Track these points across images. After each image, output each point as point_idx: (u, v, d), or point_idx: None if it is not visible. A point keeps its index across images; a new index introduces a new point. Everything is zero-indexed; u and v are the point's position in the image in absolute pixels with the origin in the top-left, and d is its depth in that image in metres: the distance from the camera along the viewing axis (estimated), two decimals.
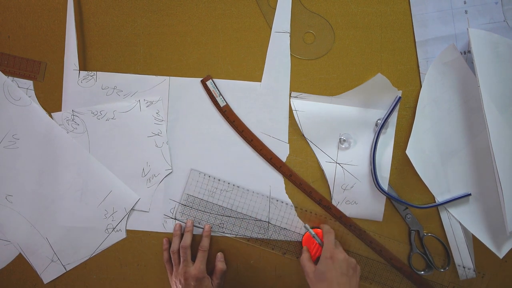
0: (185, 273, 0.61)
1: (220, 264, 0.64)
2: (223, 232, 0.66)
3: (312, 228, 0.64)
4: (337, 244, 0.61)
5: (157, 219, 0.66)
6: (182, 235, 0.65)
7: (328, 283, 0.55)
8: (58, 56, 0.65)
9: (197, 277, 0.60)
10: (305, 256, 0.61)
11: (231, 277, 0.67)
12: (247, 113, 0.65)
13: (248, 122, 0.65)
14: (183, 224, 0.66)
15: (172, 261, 0.63)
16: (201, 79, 0.65)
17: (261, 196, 0.65)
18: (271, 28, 0.64)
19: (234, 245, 0.66)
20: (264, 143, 0.65)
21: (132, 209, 0.66)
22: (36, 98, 0.65)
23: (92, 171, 0.66)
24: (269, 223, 0.65)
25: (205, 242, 0.64)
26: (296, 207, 0.65)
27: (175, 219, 0.66)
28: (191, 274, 0.61)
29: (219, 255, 0.65)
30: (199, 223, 0.66)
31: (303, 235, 0.65)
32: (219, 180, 0.65)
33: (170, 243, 0.65)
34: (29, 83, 0.65)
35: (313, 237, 0.63)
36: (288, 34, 0.64)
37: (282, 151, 0.65)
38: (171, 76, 0.65)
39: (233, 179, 0.65)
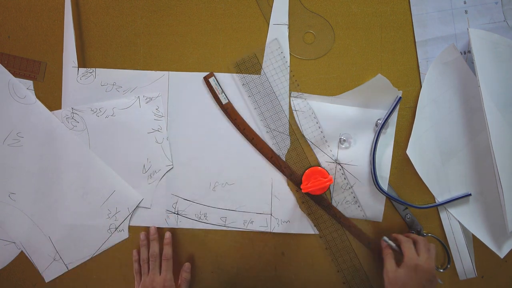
0: (152, 282, 0.62)
1: (184, 274, 0.65)
2: (225, 226, 0.66)
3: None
4: (425, 250, 0.58)
5: (160, 215, 0.66)
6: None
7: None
8: (58, 55, 0.65)
9: (164, 286, 0.61)
10: (389, 252, 0.60)
11: (231, 276, 0.67)
12: (247, 107, 0.65)
13: (248, 116, 0.65)
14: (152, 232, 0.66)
15: (142, 271, 0.64)
16: (204, 75, 0.65)
17: (263, 191, 0.65)
18: None
19: (234, 244, 0.67)
20: (265, 136, 0.65)
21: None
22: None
23: (95, 170, 0.66)
24: (271, 215, 0.65)
25: (167, 250, 0.64)
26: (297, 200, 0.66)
27: (177, 214, 0.66)
28: (158, 283, 0.62)
29: (186, 265, 0.65)
30: (205, 217, 0.66)
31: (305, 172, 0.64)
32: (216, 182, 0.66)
33: (139, 254, 0.65)
34: (29, 83, 0.65)
35: (392, 247, 0.61)
36: (287, 26, 0.64)
37: (283, 144, 0.65)
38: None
39: (234, 174, 0.66)
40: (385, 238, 0.62)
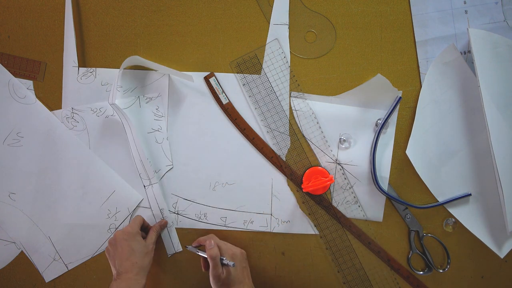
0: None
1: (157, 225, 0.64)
2: (225, 226, 0.66)
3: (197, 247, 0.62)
4: (219, 242, 0.60)
5: (159, 215, 0.66)
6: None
7: (238, 283, 0.57)
8: (58, 55, 0.65)
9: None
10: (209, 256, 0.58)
11: None
12: (247, 106, 0.65)
13: (249, 116, 0.65)
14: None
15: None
16: (204, 75, 0.65)
17: (263, 191, 0.65)
18: None
19: (234, 244, 0.66)
20: (266, 136, 0.65)
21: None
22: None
23: (96, 170, 0.66)
24: (271, 215, 0.65)
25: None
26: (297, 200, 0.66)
27: (177, 214, 0.66)
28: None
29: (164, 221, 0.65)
30: (205, 217, 0.66)
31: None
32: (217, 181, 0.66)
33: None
34: (29, 83, 0.65)
35: (198, 253, 0.60)
36: (287, 26, 0.64)
37: (283, 144, 0.65)
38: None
39: (234, 174, 0.66)
40: (189, 246, 0.62)
